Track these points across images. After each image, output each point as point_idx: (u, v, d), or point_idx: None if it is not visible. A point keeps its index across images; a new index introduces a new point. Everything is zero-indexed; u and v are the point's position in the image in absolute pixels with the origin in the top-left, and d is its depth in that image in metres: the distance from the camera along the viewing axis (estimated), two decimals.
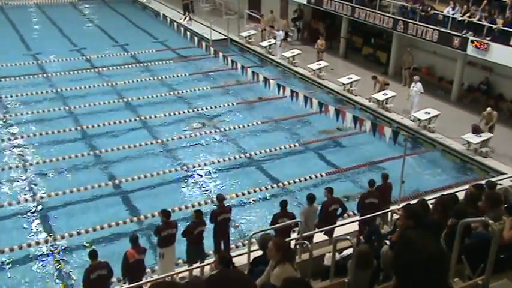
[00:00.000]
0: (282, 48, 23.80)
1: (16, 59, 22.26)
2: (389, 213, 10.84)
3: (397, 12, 20.74)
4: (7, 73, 20.71)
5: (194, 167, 14.85)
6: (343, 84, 20.27)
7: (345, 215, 11.24)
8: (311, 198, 10.52)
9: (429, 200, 8.70)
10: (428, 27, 19.03)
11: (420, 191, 13.48)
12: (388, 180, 11.49)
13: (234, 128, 17.27)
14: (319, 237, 10.53)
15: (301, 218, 9.98)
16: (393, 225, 9.47)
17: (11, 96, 18.73)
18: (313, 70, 21.76)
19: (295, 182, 14.13)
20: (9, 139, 15.89)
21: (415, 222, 6.37)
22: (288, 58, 23.19)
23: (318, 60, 22.36)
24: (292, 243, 8.96)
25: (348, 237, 7.74)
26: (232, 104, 19.19)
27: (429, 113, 17.01)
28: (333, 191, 10.87)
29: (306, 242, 8.76)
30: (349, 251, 8.16)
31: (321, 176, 14.43)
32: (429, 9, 19.62)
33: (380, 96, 18.69)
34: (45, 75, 21.13)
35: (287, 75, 22.74)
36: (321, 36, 23.31)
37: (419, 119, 17.05)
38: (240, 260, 8.49)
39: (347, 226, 10.63)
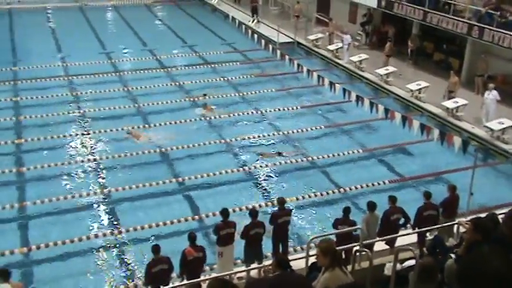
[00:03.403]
0: (350, 52, 23.49)
1: (91, 57, 23.33)
2: (455, 225, 10.42)
3: (473, 17, 19.92)
4: (82, 71, 21.73)
5: (256, 168, 14.93)
6: (411, 90, 19.72)
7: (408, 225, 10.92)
8: (372, 206, 10.31)
9: (499, 214, 8.27)
10: (506, 33, 18.13)
11: (490, 205, 12.83)
12: (455, 191, 11.05)
13: (297, 131, 17.22)
14: (380, 246, 10.28)
15: (363, 226, 9.79)
16: (459, 238, 9.10)
17: (86, 93, 19.62)
18: (381, 75, 21.32)
19: (356, 188, 13.89)
20: (82, 134, 16.66)
21: (484, 236, 6.07)
22: (355, 62, 22.86)
23: (385, 65, 21.91)
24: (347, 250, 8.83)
25: (411, 247, 7.50)
26: (297, 108, 19.14)
27: (503, 123, 16.20)
28: (396, 200, 10.59)
29: (366, 250, 8.58)
30: (411, 262, 7.89)
31: (384, 183, 14.10)
32: (508, 14, 18.70)
33: (450, 104, 18.03)
34: (117, 73, 21.99)
35: (353, 79, 22.43)
36: (389, 40, 22.83)
37: (492, 129, 16.29)
38: (298, 263, 8.44)
39: (409, 236, 10.32)
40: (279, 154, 15.61)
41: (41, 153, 15.28)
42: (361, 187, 13.93)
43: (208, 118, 17.93)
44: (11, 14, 31.06)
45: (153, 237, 11.57)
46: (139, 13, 33.03)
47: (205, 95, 19.60)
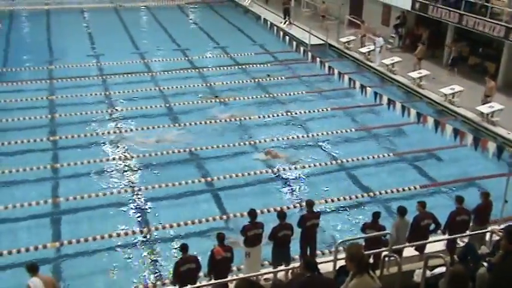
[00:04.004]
0: (382, 55, 23.24)
1: (124, 57, 23.72)
2: (488, 233, 10.18)
3: (510, 20, 19.43)
4: (116, 70, 22.13)
5: (284, 169, 14.91)
6: (445, 94, 19.37)
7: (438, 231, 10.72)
8: (402, 211, 10.16)
9: None
10: None
11: None
12: (488, 198, 10.80)
13: (327, 133, 17.13)
14: (409, 251, 10.13)
15: (393, 231, 9.67)
16: (492, 246, 8.89)
17: (118, 93, 19.95)
18: (413, 79, 21.02)
19: (386, 193, 13.73)
20: (114, 132, 16.94)
21: None
22: (387, 65, 22.60)
23: (415, 68, 21.60)
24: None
25: (441, 254, 7.37)
26: (327, 110, 19.03)
27: None
28: (425, 205, 10.41)
29: (395, 255, 8.47)
30: (442, 269, 7.76)
31: (415, 188, 13.89)
32: None
33: (485, 108, 17.63)
34: (149, 73, 22.29)
35: (385, 83, 22.19)
36: (421, 43, 22.50)
37: None
38: (326, 267, 8.37)
39: (440, 243, 10.14)
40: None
41: (74, 151, 15.61)
42: (391, 192, 13.75)
43: (237, 119, 17.97)
44: (49, 14, 31.85)
45: (180, 236, 11.67)
46: (172, 14, 33.42)
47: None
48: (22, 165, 14.36)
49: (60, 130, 16.91)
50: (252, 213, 10.03)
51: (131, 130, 16.95)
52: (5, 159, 14.97)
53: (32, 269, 8.15)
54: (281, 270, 9.80)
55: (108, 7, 34.16)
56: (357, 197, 13.62)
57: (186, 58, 24.45)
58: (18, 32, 28.82)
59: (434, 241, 10.21)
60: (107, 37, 27.54)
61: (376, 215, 10.03)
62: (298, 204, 13.06)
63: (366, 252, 8.78)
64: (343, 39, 25.80)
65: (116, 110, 18.55)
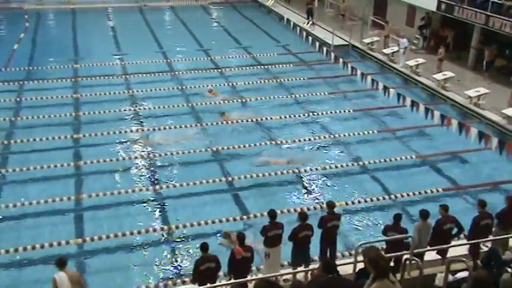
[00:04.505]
0: (406, 56, 23.00)
1: (148, 56, 23.94)
2: None
3: None
4: (139, 69, 22.35)
5: (306, 171, 14.87)
6: (470, 97, 19.07)
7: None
8: (424, 214, 10.02)
9: None
10: None
11: None
12: None
13: (349, 135, 17.02)
14: (431, 255, 10.00)
15: (415, 234, 9.55)
16: None
17: (141, 91, 20.14)
18: (438, 80, 20.75)
19: (408, 195, 13.58)
20: (137, 131, 17.11)
21: None
22: (411, 67, 22.36)
23: (437, 70, 21.33)
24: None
25: (464, 259, 7.26)
26: (349, 111, 18.92)
27: None
28: (448, 209, 10.26)
29: (416, 259, 8.37)
30: (464, 274, 7.65)
31: (437, 191, 13.71)
32: None
33: (511, 111, 17.31)
34: (172, 73, 22.45)
35: (409, 84, 21.95)
36: (443, 45, 22.19)
37: None
38: (345, 269, 8.33)
39: (462, 247, 9.98)
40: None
41: (97, 149, 15.81)
42: (413, 194, 13.60)
43: (259, 119, 17.95)
44: (74, 13, 32.35)
45: (200, 235, 11.72)
46: (195, 14, 33.62)
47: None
48: (47, 162, 14.61)
49: (84, 128, 17.16)
50: (272, 214, 10.02)
51: (153, 129, 17.09)
52: (31, 156, 15.23)
53: (60, 263, 8.29)
54: (300, 271, 9.77)
55: (133, 7, 34.53)
56: (378, 199, 13.51)
57: (209, 58, 24.55)
58: (45, 31, 29.35)
59: (457, 245, 10.06)
60: (131, 36, 27.86)
61: (397, 217, 9.93)
62: (318, 206, 13.01)
63: (387, 255, 8.72)
64: (367, 40, 25.61)
65: (139, 108, 18.72)
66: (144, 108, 18.71)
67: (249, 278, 9.39)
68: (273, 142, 16.45)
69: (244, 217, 12.61)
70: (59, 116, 17.63)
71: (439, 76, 20.83)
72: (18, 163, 14.73)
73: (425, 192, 13.62)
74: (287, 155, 15.74)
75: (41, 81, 20.84)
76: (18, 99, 19.12)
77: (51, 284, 8.16)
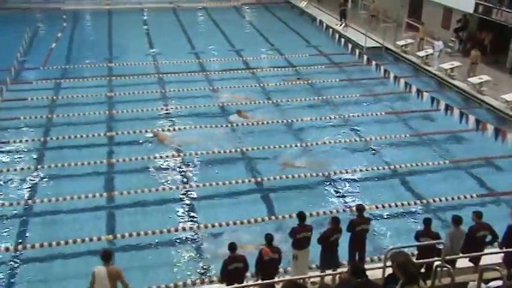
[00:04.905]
0: (441, 59, 22.60)
1: (181, 56, 24.19)
2: None
3: None
4: (172, 69, 22.58)
5: (335, 173, 14.75)
6: (507, 101, 18.59)
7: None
8: (457, 220, 9.81)
9: None
10: None
11: None
12: None
13: (380, 138, 16.81)
14: (463, 263, 9.78)
15: (447, 240, 9.37)
16: None
17: (174, 91, 20.35)
18: (473, 84, 20.30)
19: (440, 201, 13.33)
20: (168, 129, 17.29)
21: None
22: (445, 70, 21.94)
23: (471, 73, 20.86)
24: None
25: (498, 267, 7.08)
26: (381, 114, 18.69)
27: None
28: (482, 216, 10.01)
29: (448, 266, 8.21)
30: (498, 283, 7.45)
31: (471, 197, 13.41)
32: None
33: None
34: (204, 73, 22.61)
35: (443, 88, 21.55)
36: (478, 48, 21.70)
37: None
38: (374, 273, 8.22)
39: (496, 255, 9.73)
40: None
41: (129, 147, 16.05)
42: (445, 200, 13.34)
43: (289, 121, 17.91)
44: (110, 13, 32.94)
45: (229, 235, 11.75)
46: (228, 15, 33.77)
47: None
48: (81, 159, 14.92)
49: (116, 126, 17.45)
50: (301, 216, 9.98)
51: (184, 128, 17.25)
52: (65, 153, 15.58)
53: (105, 256, 8.42)
54: (329, 275, 9.69)
55: (167, 7, 34.95)
56: (409, 204, 13.30)
57: (240, 58, 24.63)
58: (82, 30, 29.98)
59: (491, 253, 9.81)
60: (164, 36, 28.21)
61: (427, 222, 9.76)
62: (348, 209, 12.89)
63: (418, 261, 8.58)
64: (401, 42, 25.26)
65: (171, 108, 18.91)
66: (176, 108, 18.89)
67: (276, 279, 9.38)
68: (303, 144, 16.38)
69: (273, 218, 12.60)
70: (93, 114, 18.00)
71: (474, 80, 20.38)
72: (54, 160, 15.09)
73: (458, 198, 13.34)
74: (312, 157, 15.64)
75: (77, 79, 21.30)
76: (54, 97, 19.58)
77: (91, 276, 8.37)
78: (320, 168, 14.90)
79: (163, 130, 17.09)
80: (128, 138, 16.54)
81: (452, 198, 13.35)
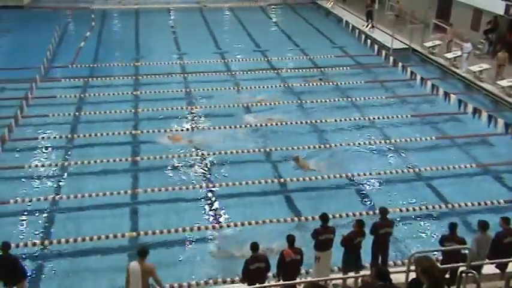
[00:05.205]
0: (469, 61, 22.21)
1: (206, 56, 24.30)
2: None
3: None
4: (196, 69, 22.70)
5: (359, 175, 14.62)
6: None
7: None
8: (483, 226, 9.63)
9: None
10: None
11: None
12: None
13: (406, 140, 16.61)
14: (489, 269, 9.59)
15: (473, 245, 9.20)
16: None
17: (198, 90, 20.46)
18: (503, 87, 19.90)
19: (466, 205, 13.10)
20: (192, 129, 17.40)
21: None
22: (474, 72, 21.55)
23: (498, 76, 20.44)
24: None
25: None
26: (407, 116, 18.45)
27: None
28: (510, 221, 9.79)
29: (473, 271, 8.05)
30: None
31: (499, 203, 13.14)
32: None
33: None
34: (229, 73, 22.68)
35: (471, 90, 21.17)
36: (505, 49, 21.26)
37: None
38: (397, 277, 8.11)
39: None
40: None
41: (153, 145, 16.20)
42: (472, 204, 13.11)
43: (313, 122, 17.83)
44: (138, 13, 33.33)
45: (251, 235, 11.74)
46: (254, 15, 33.80)
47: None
48: (106, 156, 15.12)
49: (141, 124, 17.64)
50: (324, 217, 9.92)
51: (208, 128, 17.33)
52: (91, 150, 15.82)
53: (140, 253, 8.66)
54: (351, 277, 9.62)
55: (193, 7, 35.18)
56: (434, 208, 13.11)
57: (265, 59, 24.63)
58: (110, 30, 30.39)
59: None
60: (190, 36, 28.41)
61: (453, 226, 9.60)
62: (371, 211, 12.77)
63: (442, 267, 8.44)
64: (428, 44, 24.91)
65: (196, 107, 19.02)
66: (201, 107, 18.98)
67: (298, 280, 9.35)
68: (327, 145, 16.29)
69: (296, 219, 12.56)
70: (119, 112, 18.22)
71: (504, 82, 19.97)
72: (80, 156, 15.34)
73: (485, 204, 13.10)
74: (335, 159, 15.55)
75: (104, 78, 21.60)
76: (82, 95, 19.89)
77: (125, 272, 8.63)
78: (344, 170, 14.81)
79: (182, 130, 17.18)
80: (152, 136, 16.68)
81: (479, 203, 13.11)
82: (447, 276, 8.94)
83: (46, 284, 10.69)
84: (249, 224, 12.25)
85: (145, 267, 8.60)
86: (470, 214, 12.78)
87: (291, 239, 9.35)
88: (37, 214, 12.86)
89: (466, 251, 8.66)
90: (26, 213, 12.83)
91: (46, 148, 15.97)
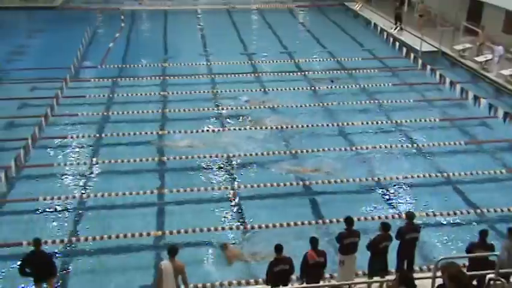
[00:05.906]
0: (501, 65, 21.76)
1: (233, 57, 24.40)
2: None
3: None
4: (222, 70, 22.80)
5: (385, 179, 14.47)
6: None
7: None
8: None
9: None
10: None
11: None
12: None
13: (433, 144, 16.36)
14: None
15: (502, 253, 9.01)
16: None
17: (223, 92, 20.54)
18: None
19: (495, 211, 12.84)
20: (219, 130, 17.47)
21: None
22: (505, 76, 21.11)
23: None
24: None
25: None
26: (435, 120, 18.18)
27: None
28: None
29: (502, 279, 7.89)
30: None
31: None
32: None
33: None
34: (255, 74, 22.72)
35: (502, 94, 20.74)
36: None
37: None
38: (423, 283, 8.02)
39: None
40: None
41: (179, 145, 16.30)
42: (501, 211, 12.84)
43: (340, 124, 17.72)
44: (166, 14, 33.69)
45: (275, 237, 11.73)
46: (281, 16, 33.80)
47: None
48: (133, 156, 15.33)
49: (168, 125, 17.80)
50: (349, 221, 9.85)
51: (234, 129, 17.38)
52: (119, 150, 16.04)
53: (171, 251, 8.76)
54: (375, 282, 9.54)
55: (221, 8, 35.38)
56: (462, 213, 12.89)
57: (292, 61, 24.59)
58: (138, 31, 30.82)
59: None
60: (218, 37, 28.56)
61: (483, 234, 9.42)
62: (397, 215, 12.62)
63: (470, 273, 8.30)
64: (458, 47, 24.50)
65: (222, 108, 19.11)
66: (227, 108, 19.06)
67: (321, 283, 9.30)
68: (353, 148, 16.17)
69: (320, 222, 12.50)
70: (146, 113, 18.44)
71: None
72: (108, 156, 15.57)
73: None
74: (360, 161, 15.44)
75: (132, 78, 21.89)
76: (110, 95, 20.20)
77: (158, 272, 8.76)
78: (370, 174, 14.69)
79: (213, 131, 17.29)
80: (179, 136, 16.82)
81: (509, 210, 12.84)
82: (474, 283, 8.78)
83: (73, 280, 10.88)
84: (273, 226, 12.24)
85: (177, 265, 8.69)
86: (500, 221, 12.51)
87: (314, 241, 9.31)
88: (65, 212, 13.10)
89: (494, 258, 8.49)
90: (54, 211, 13.08)
91: (75, 147, 16.27)
